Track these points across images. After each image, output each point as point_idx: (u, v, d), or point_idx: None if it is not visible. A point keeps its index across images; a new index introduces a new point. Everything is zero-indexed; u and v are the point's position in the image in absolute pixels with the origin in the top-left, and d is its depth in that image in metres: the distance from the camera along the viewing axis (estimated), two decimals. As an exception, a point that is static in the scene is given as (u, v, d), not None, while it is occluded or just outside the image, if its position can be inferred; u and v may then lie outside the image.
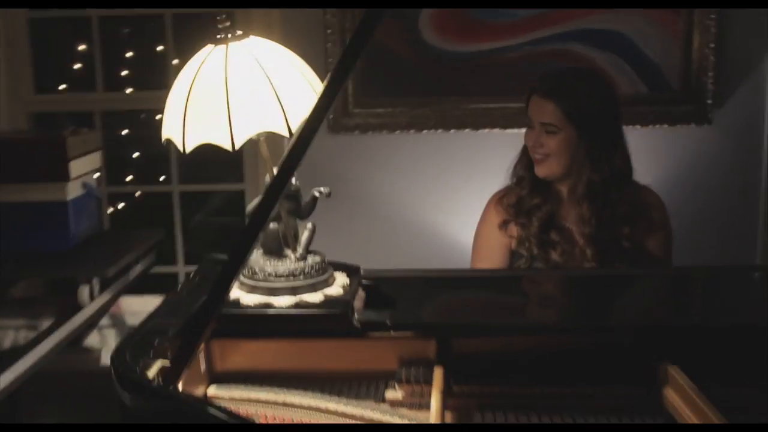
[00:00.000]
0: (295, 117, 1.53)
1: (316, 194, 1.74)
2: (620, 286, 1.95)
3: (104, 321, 3.01)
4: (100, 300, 2.50)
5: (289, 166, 1.28)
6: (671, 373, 1.45)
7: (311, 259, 1.71)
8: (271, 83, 1.52)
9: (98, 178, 2.77)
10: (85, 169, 2.64)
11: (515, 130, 2.94)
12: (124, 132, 3.56)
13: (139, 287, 2.76)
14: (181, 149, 1.52)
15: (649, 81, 3.01)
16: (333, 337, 1.62)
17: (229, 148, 1.48)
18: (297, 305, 1.62)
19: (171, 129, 1.54)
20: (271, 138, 1.62)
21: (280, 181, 1.28)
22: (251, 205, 1.70)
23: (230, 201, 3.78)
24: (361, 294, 1.73)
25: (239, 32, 1.54)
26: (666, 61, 3.00)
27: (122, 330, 2.92)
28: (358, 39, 1.28)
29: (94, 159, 2.73)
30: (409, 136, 3.05)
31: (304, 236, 1.72)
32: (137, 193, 3.61)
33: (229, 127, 1.46)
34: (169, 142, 1.59)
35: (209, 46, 1.56)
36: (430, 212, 3.09)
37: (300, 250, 1.71)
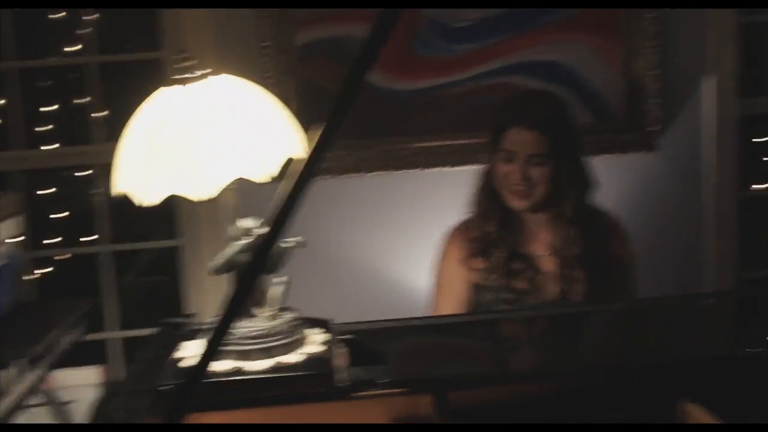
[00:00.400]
0: (269, 161, 1.40)
1: (287, 245, 1.60)
2: (602, 322, 1.87)
3: (34, 400, 2.77)
4: (28, 378, 2.30)
5: (284, 215, 1.13)
6: (690, 412, 1.35)
7: (284, 317, 1.58)
8: (243, 124, 1.39)
9: (20, 243, 2.56)
10: (4, 235, 2.44)
11: (466, 167, 2.87)
12: (50, 191, 3.35)
13: (70, 358, 2.58)
14: (142, 203, 1.37)
15: (594, 110, 2.98)
16: (316, 401, 1.47)
17: (202, 198, 1.34)
18: (273, 368, 1.48)
19: (128, 182, 1.39)
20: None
21: (274, 234, 1.14)
22: (216, 260, 1.56)
23: (159, 258, 3.57)
24: (340, 350, 1.60)
25: (202, 71, 1.41)
26: (609, 89, 2.97)
27: (57, 408, 2.67)
28: (364, 61, 1.09)
29: (14, 224, 2.53)
30: (356, 179, 2.93)
31: (276, 291, 1.58)
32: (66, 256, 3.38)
33: (200, 176, 1.32)
34: (123, 196, 1.43)
35: (167, 89, 1.42)
36: (383, 257, 2.97)
37: (273, 307, 1.57)
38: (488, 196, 2.27)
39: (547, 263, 2.25)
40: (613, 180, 2.98)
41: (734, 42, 3.02)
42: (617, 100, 2.98)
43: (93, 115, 3.04)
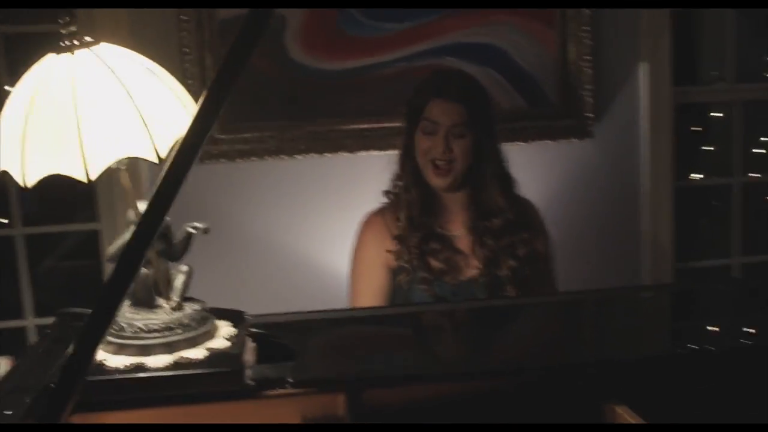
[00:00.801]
0: (163, 139, 1.27)
1: (191, 231, 1.48)
2: (531, 316, 1.78)
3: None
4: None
5: (165, 198, 1.01)
6: (619, 413, 1.27)
7: (189, 308, 1.45)
8: (132, 99, 1.25)
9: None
10: None
11: (396, 152, 2.76)
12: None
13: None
14: (21, 183, 1.22)
15: (527, 95, 2.90)
16: (222, 400, 1.35)
17: (82, 178, 1.20)
18: (176, 364, 1.36)
19: (6, 159, 1.24)
20: (132, 165, 1.36)
21: (155, 218, 1.01)
22: (113, 247, 1.42)
23: (83, 242, 3.39)
24: (250, 345, 1.47)
25: (88, 38, 1.26)
26: (543, 74, 2.90)
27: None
28: (243, 41, 1.02)
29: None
30: (280, 162, 2.80)
31: (178, 281, 1.45)
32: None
33: (81, 154, 1.18)
34: (5, 174, 1.28)
35: (50, 56, 1.27)
36: (308, 243, 2.85)
37: (175, 298, 1.44)
38: (408, 177, 2.23)
39: (464, 242, 2.22)
40: (547, 167, 2.92)
41: (668, 30, 2.97)
42: (552, 85, 2.91)
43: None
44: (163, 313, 1.42)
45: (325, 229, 2.84)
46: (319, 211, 2.84)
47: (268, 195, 2.82)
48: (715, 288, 2.01)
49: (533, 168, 2.78)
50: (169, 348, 1.39)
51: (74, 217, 3.16)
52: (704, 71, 3.40)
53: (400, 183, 2.25)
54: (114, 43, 1.36)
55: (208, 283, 2.70)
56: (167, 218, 1.44)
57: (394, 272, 2.20)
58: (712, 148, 3.44)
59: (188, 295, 1.49)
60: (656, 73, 2.99)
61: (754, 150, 3.41)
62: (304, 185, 2.83)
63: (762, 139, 3.45)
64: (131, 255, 0.99)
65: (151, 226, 1.00)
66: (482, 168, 2.18)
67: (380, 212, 2.28)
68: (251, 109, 2.74)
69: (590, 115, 2.93)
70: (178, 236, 1.48)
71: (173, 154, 1.03)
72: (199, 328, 1.43)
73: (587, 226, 2.97)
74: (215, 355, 1.39)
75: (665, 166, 3.05)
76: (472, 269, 2.19)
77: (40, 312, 2.97)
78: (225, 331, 1.48)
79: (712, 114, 3.43)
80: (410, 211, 2.19)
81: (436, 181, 2.18)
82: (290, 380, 1.29)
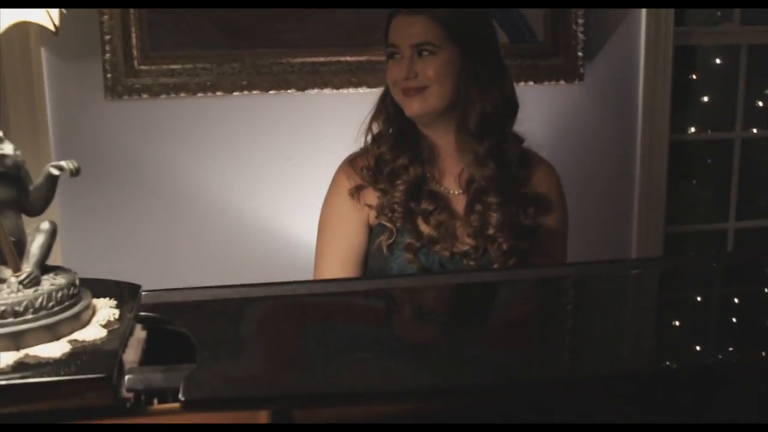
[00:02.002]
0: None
1: (54, 172, 1.04)
2: (510, 301, 1.37)
3: None
4: None
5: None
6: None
7: (48, 283, 1.02)
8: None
9: None
10: None
11: (352, 90, 2.34)
12: None
13: None
14: None
15: (510, 29, 2.49)
16: (90, 418, 0.93)
17: None
18: (21, 365, 0.93)
19: None
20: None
21: None
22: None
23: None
24: (139, 336, 1.05)
25: None
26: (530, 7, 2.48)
27: None
28: None
29: None
30: (215, 100, 2.34)
31: (35, 245, 1.02)
32: None
33: None
34: None
35: None
36: (248, 198, 2.42)
37: (28, 267, 1.01)
38: (386, 118, 1.80)
39: (461, 203, 1.78)
40: (530, 113, 2.49)
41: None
42: (539, 18, 2.51)
43: None
44: (7, 290, 0.98)
45: (269, 180, 2.42)
46: (261, 159, 2.42)
47: (201, 140, 2.38)
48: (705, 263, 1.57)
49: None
50: (13, 341, 0.96)
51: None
52: (706, 11, 3.00)
53: (378, 118, 1.81)
54: None
55: (108, 247, 2.33)
56: (16, 151, 1.01)
57: (373, 231, 1.78)
58: (706, 99, 3.04)
59: (52, 263, 1.06)
60: (658, 9, 2.59)
61: (758, 103, 3.03)
62: (243, 128, 2.39)
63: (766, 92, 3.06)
64: None
65: None
66: (471, 97, 1.73)
67: (360, 156, 1.83)
68: (180, 34, 2.28)
69: (581, 54, 2.52)
70: (36, 180, 1.04)
71: None
72: (61, 312, 1.00)
73: (574, 182, 2.55)
74: (79, 353, 0.96)
75: (663, 118, 2.69)
76: (469, 239, 1.75)
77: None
78: (103, 314, 1.05)
79: (711, 60, 3.03)
80: (386, 153, 1.76)
81: (407, 108, 1.74)
82: (181, 397, 0.86)
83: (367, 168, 1.77)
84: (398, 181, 1.73)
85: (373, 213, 1.76)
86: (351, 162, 1.81)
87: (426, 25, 1.70)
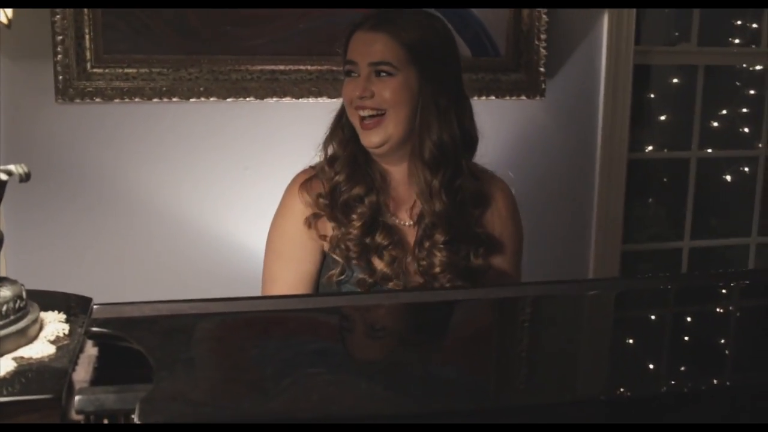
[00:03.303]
0: None
1: (2, 177, 0.98)
2: (461, 323, 1.34)
3: None
4: None
5: None
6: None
7: (-8, 295, 0.96)
8: None
9: None
10: None
11: (312, 100, 2.30)
12: None
13: None
14: None
15: (472, 43, 2.47)
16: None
17: None
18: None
19: None
20: None
21: None
22: None
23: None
24: (90, 353, 0.99)
25: None
26: (493, 20, 2.46)
27: None
28: None
29: None
30: (171, 107, 2.28)
31: (-21, 254, 0.96)
32: None
33: None
34: None
35: None
36: (204, 208, 2.35)
37: (-29, 279, 0.95)
38: (341, 140, 1.71)
39: (411, 236, 1.71)
40: (490, 128, 2.46)
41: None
42: (501, 32, 2.48)
43: None
44: (-52, 303, 0.92)
45: (227, 193, 2.36)
46: (218, 168, 2.35)
47: (156, 147, 2.30)
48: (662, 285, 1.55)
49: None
50: (-46, 357, 0.90)
51: None
52: (664, 31, 3.02)
53: (333, 146, 1.71)
54: None
55: (57, 258, 2.25)
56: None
57: (325, 261, 1.70)
58: (663, 118, 3.06)
59: None
60: (619, 27, 2.60)
61: (714, 123, 3.06)
62: (199, 136, 2.32)
63: (722, 113, 3.09)
64: None
65: None
66: (429, 124, 1.64)
67: (311, 177, 1.73)
68: (136, 36, 2.21)
69: (543, 70, 2.51)
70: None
71: None
72: (6, 327, 0.94)
73: (532, 197, 2.55)
74: (25, 371, 0.90)
75: (622, 136, 2.69)
76: (417, 276, 1.68)
77: None
78: (52, 329, 0.99)
79: (668, 80, 3.05)
80: (342, 183, 1.66)
81: (365, 139, 1.66)
82: (137, 421, 0.81)
83: (323, 195, 1.68)
84: (354, 216, 1.65)
85: (327, 244, 1.68)
86: (305, 185, 1.71)
87: (386, 44, 1.63)
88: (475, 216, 1.72)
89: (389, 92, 1.62)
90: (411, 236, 1.70)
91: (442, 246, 1.65)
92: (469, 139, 1.72)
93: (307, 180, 1.72)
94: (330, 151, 1.71)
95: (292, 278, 1.69)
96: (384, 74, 1.63)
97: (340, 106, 1.73)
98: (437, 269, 1.66)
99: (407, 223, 1.71)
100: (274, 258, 1.73)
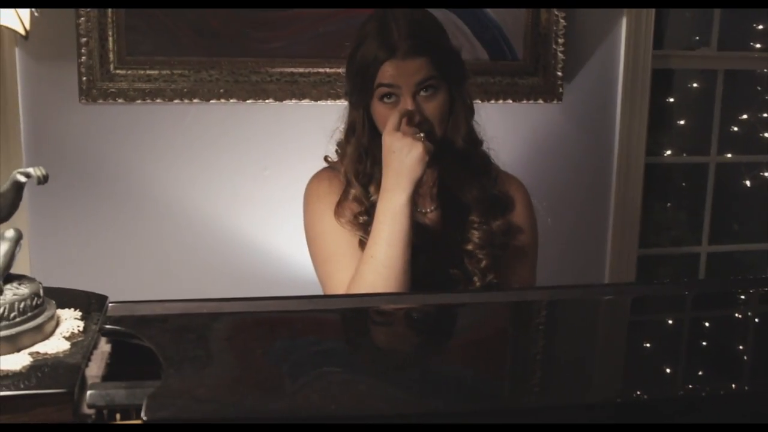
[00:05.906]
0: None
1: (20, 179, 1.01)
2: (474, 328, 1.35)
3: None
4: None
5: None
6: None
7: (11, 293, 0.99)
8: None
9: None
10: None
11: (330, 102, 2.32)
12: None
13: None
14: None
15: (490, 46, 2.47)
16: (49, 434, 0.90)
17: None
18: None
19: None
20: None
21: None
22: None
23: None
24: (103, 350, 1.02)
25: None
26: (511, 23, 2.47)
27: None
28: None
29: None
30: (191, 108, 2.31)
31: (-1, 252, 1.00)
32: None
33: None
34: None
35: None
36: (223, 208, 2.38)
37: (-8, 276, 0.98)
38: (363, 135, 1.70)
39: (435, 223, 1.74)
40: (507, 131, 2.49)
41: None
42: (519, 36, 2.49)
43: None
44: (-32, 300, 0.96)
45: (246, 193, 2.38)
46: (237, 168, 2.38)
47: (176, 147, 2.33)
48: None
49: (491, 131, 2.36)
50: (-27, 352, 0.93)
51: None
52: (685, 36, 3.02)
53: (355, 140, 1.70)
54: None
55: (76, 256, 2.28)
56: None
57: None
58: (683, 122, 3.05)
59: (20, 271, 1.04)
60: (637, 31, 2.60)
61: (733, 128, 3.05)
62: (219, 137, 2.35)
63: (742, 117, 3.08)
64: None
65: None
66: (458, 123, 1.68)
67: (334, 175, 1.75)
68: (158, 38, 2.25)
69: (560, 74, 2.52)
70: (2, 186, 1.02)
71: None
72: (23, 323, 0.98)
73: (549, 201, 2.54)
74: (40, 366, 0.93)
75: (640, 140, 2.69)
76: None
77: None
78: (67, 326, 1.03)
79: (688, 84, 3.05)
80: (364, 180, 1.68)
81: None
82: (144, 417, 0.84)
83: (358, 214, 1.68)
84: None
85: (361, 231, 1.67)
86: (326, 184, 1.73)
87: (421, 63, 1.61)
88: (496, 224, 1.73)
89: (434, 108, 1.63)
90: (436, 223, 1.72)
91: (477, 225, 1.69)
92: (475, 143, 1.75)
93: (326, 179, 1.74)
94: (349, 150, 1.72)
95: (346, 276, 1.64)
96: (427, 91, 1.62)
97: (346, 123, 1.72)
98: (470, 246, 1.69)
99: (427, 211, 1.73)
100: (322, 261, 1.72)
